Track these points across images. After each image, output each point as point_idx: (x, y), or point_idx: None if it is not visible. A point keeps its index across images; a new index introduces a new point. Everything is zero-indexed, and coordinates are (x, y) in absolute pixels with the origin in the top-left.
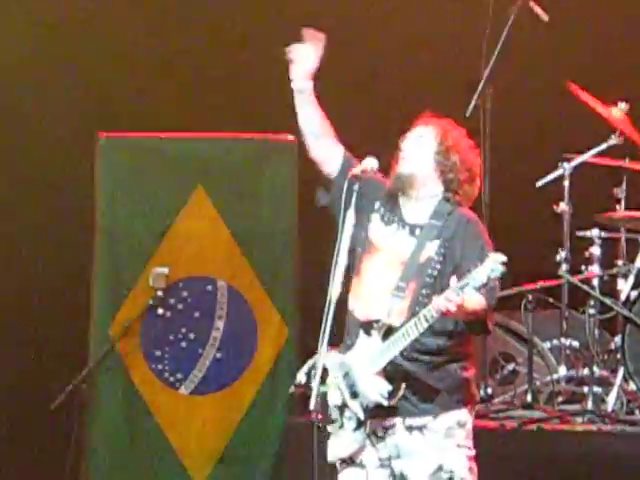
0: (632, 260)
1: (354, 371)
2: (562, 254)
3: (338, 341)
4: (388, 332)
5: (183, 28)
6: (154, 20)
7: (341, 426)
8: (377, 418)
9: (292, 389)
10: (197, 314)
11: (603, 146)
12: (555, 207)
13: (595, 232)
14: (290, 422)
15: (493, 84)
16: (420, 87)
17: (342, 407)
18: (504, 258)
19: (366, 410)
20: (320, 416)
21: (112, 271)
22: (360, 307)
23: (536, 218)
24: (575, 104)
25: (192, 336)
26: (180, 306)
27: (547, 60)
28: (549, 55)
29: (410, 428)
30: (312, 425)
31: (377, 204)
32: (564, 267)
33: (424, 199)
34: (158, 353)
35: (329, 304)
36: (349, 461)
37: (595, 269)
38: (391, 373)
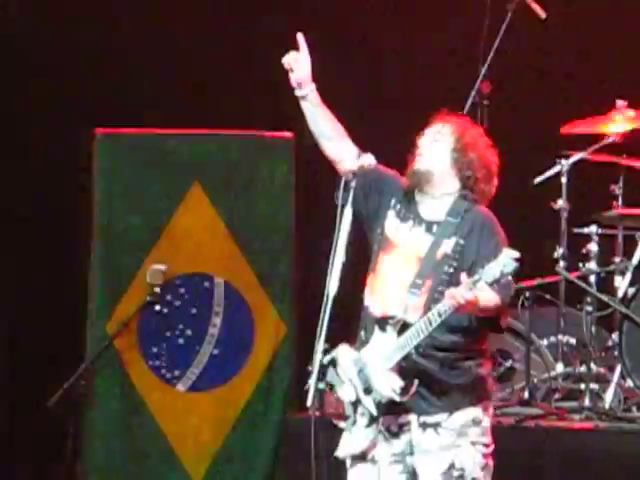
0: (629, 257)
1: (368, 367)
2: (559, 251)
3: (344, 337)
4: (403, 328)
5: (181, 24)
6: (152, 15)
7: (354, 422)
8: (391, 415)
9: (308, 385)
10: (194, 311)
11: (601, 143)
12: (553, 204)
13: (593, 229)
14: (287, 419)
15: (491, 81)
16: (417, 84)
17: (355, 403)
18: (517, 254)
19: (379, 406)
20: (318, 413)
21: (109, 268)
22: (376, 303)
23: (534, 215)
24: (572, 101)
25: (189, 333)
26: (177, 303)
27: (544, 56)
28: (546, 52)
29: (424, 425)
30: (310, 422)
31: (393, 201)
32: (561, 264)
33: (441, 196)
34: (155, 350)
35: (326, 300)
36: (360, 457)
37: (592, 266)
38: (405, 369)
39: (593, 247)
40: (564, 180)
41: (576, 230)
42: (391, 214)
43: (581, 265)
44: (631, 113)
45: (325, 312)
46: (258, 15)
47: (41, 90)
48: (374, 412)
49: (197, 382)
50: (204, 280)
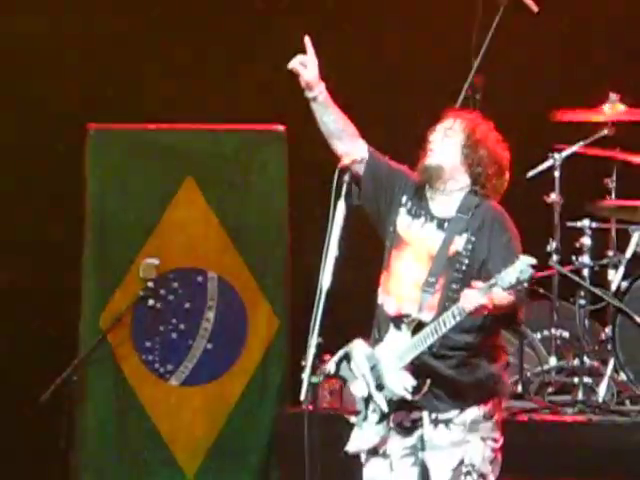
0: (622, 250)
1: (382, 364)
2: (552, 245)
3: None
4: (418, 327)
5: (174, 19)
6: (145, 11)
7: (365, 418)
8: (402, 411)
9: (320, 379)
10: (187, 305)
11: (594, 137)
12: (546, 198)
13: (586, 223)
14: (281, 413)
15: (483, 74)
16: (410, 78)
17: (367, 399)
18: (534, 261)
19: (390, 404)
20: (311, 407)
21: (102, 262)
22: (390, 302)
23: (526, 209)
24: (566, 95)
25: (182, 327)
26: (170, 297)
27: (537, 50)
28: (539, 45)
29: (436, 421)
30: (303, 416)
31: (404, 198)
32: (555, 258)
33: (451, 192)
34: (148, 344)
35: (320, 295)
36: (372, 452)
37: (586, 259)
38: (418, 368)
39: (586, 241)
40: (557, 174)
41: (569, 224)
42: (402, 211)
43: (574, 259)
44: (621, 107)
45: (318, 306)
46: (250, 7)
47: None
48: (385, 409)
49: (190, 376)
50: (197, 274)
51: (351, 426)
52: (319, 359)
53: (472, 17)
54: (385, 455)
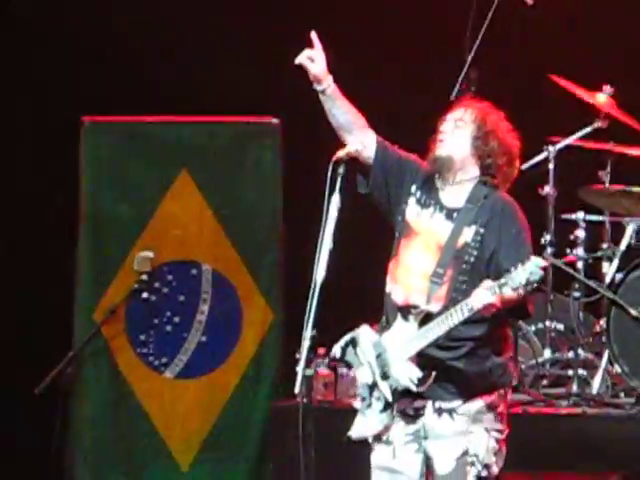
0: (617, 243)
1: (388, 353)
2: (547, 237)
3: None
4: (425, 319)
5: (168, 12)
6: (140, 3)
7: (369, 405)
8: (406, 398)
9: (313, 372)
10: (182, 298)
11: (588, 129)
12: (540, 190)
13: (580, 215)
14: (275, 405)
15: (477, 67)
16: (403, 69)
17: (372, 386)
18: (545, 263)
19: (395, 393)
20: (305, 399)
21: (97, 255)
22: (398, 291)
23: (521, 201)
24: (560, 88)
25: (177, 320)
26: (165, 290)
27: (532, 43)
28: (534, 38)
29: (440, 411)
30: (298, 408)
31: (414, 187)
32: (549, 250)
33: (461, 182)
34: (143, 337)
35: (314, 287)
36: (376, 438)
37: (580, 252)
38: (424, 360)
39: (580, 233)
40: (551, 166)
41: (563, 216)
42: (412, 200)
43: (568, 251)
44: (610, 101)
45: (313, 299)
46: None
47: (29, 76)
48: (389, 398)
49: (185, 369)
50: (192, 267)
51: (350, 415)
52: (313, 352)
53: (467, 9)
54: (388, 442)
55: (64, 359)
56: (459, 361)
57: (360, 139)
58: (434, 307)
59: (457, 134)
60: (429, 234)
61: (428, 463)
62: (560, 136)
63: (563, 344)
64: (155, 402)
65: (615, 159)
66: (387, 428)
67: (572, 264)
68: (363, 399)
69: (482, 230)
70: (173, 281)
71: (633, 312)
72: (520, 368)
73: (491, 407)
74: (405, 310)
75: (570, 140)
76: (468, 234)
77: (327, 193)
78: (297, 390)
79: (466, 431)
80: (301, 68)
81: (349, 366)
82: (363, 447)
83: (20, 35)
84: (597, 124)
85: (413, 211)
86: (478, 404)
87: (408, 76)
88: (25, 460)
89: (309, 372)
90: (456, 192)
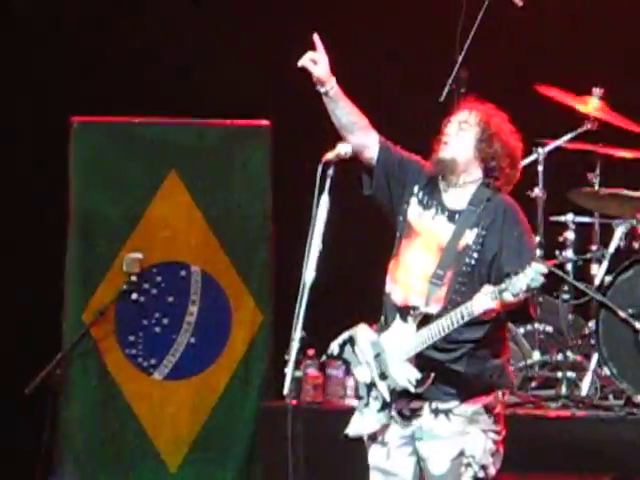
0: (606, 245)
1: (386, 353)
2: (536, 239)
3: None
4: (424, 321)
5: (161, 13)
6: (140, 3)
7: (367, 404)
8: (403, 399)
9: (323, 358)
10: (171, 299)
11: (577, 131)
12: (529, 192)
13: (569, 217)
14: (264, 407)
15: (467, 68)
16: (393, 71)
17: (370, 386)
18: (546, 270)
19: (392, 393)
20: (294, 401)
21: (86, 256)
22: (397, 291)
23: None
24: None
25: (166, 321)
26: (154, 291)
27: (522, 44)
28: (523, 39)
29: (436, 411)
30: (287, 410)
31: (416, 188)
32: (538, 252)
33: (464, 185)
34: (132, 338)
35: (303, 289)
36: (372, 438)
37: (569, 254)
38: (422, 361)
39: (569, 235)
40: (540, 168)
41: (552, 218)
42: (414, 201)
43: (558, 253)
44: (599, 104)
45: (302, 300)
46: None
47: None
48: (387, 398)
49: (174, 370)
50: (181, 268)
51: (339, 416)
52: (302, 353)
53: (457, 9)
54: (383, 443)
55: (53, 360)
56: (458, 363)
57: (363, 140)
58: (433, 308)
59: (461, 136)
60: (430, 235)
61: (422, 465)
62: (549, 138)
63: (552, 346)
64: (144, 403)
65: (604, 161)
66: (384, 427)
67: (561, 266)
68: (361, 398)
69: (484, 233)
70: (162, 282)
71: (622, 314)
72: None
73: (488, 408)
74: (404, 311)
75: (559, 142)
76: (470, 236)
77: (317, 194)
78: (286, 391)
79: (462, 432)
80: (303, 70)
81: (347, 364)
82: (353, 447)
83: (20, 35)
84: (587, 126)
85: (415, 212)
86: (475, 405)
87: (408, 76)
88: (14, 460)
89: (298, 373)
90: (459, 194)
